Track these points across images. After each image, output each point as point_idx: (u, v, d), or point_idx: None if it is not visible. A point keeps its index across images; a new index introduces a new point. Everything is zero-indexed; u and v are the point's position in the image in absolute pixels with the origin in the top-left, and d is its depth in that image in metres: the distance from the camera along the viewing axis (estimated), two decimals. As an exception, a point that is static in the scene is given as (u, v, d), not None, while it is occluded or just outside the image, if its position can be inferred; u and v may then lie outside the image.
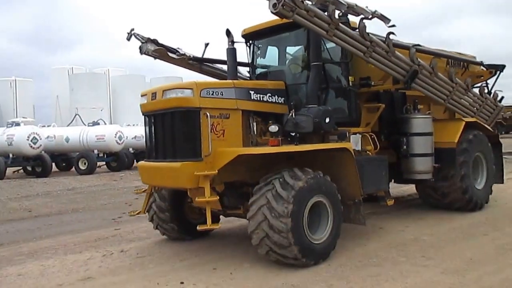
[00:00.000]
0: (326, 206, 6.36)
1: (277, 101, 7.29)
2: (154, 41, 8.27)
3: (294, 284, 5.43)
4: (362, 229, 7.66)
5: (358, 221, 7.03)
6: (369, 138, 8.02)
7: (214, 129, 6.38)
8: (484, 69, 10.53)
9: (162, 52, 8.33)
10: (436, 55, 8.69)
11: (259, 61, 8.30)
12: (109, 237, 8.45)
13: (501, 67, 10.54)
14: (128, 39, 8.08)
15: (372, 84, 8.38)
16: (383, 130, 8.67)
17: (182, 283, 5.62)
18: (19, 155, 22.96)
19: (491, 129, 10.04)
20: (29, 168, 24.28)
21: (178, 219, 7.74)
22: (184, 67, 8.82)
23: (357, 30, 7.09)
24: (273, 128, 6.19)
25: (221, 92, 6.50)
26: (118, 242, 7.97)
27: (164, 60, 8.51)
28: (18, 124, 24.00)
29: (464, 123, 9.07)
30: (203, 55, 8.96)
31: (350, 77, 7.98)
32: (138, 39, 8.20)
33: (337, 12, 6.68)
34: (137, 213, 7.23)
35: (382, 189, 7.59)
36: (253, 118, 6.97)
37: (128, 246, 7.61)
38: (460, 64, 9.99)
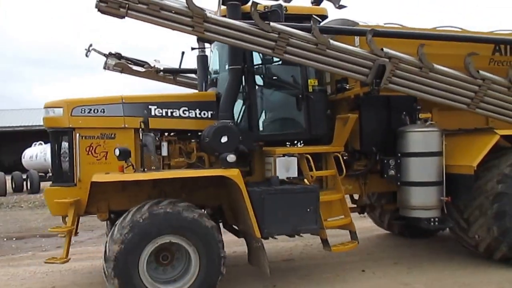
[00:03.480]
0: (187, 250, 5.03)
1: (199, 115, 6.12)
2: (116, 55, 7.91)
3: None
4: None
5: (263, 268, 5.35)
6: (331, 160, 6.14)
7: (93, 151, 5.69)
8: None
9: (124, 66, 7.91)
10: (432, 38, 5.99)
11: (212, 66, 7.12)
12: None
13: None
14: (87, 55, 7.91)
15: (347, 87, 6.41)
16: (365, 148, 6.49)
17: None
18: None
19: None
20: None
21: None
22: (156, 80, 8.21)
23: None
24: (116, 152, 5.15)
25: (103, 109, 5.75)
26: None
27: (130, 74, 8.07)
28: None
29: (497, 137, 6.11)
30: (180, 65, 8.21)
31: (310, 80, 6.22)
32: (100, 54, 7.96)
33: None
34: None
35: (304, 231, 5.59)
36: (162, 137, 5.97)
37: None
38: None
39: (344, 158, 6.37)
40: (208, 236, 5.05)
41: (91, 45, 7.91)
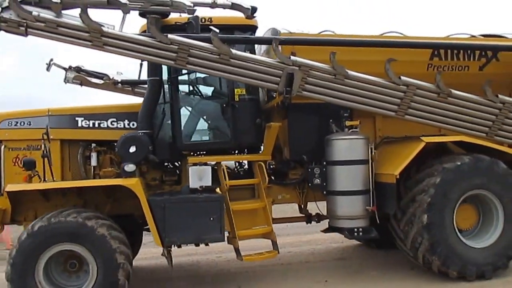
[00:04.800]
0: (82, 255, 5.13)
1: (128, 126, 6.31)
2: (76, 69, 8.22)
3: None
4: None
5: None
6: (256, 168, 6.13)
7: (19, 162, 5.97)
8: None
9: (82, 79, 8.20)
10: (347, 44, 5.84)
11: None
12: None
13: None
14: (48, 69, 8.25)
15: (274, 96, 6.38)
16: (294, 157, 6.40)
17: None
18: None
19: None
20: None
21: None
22: (115, 92, 8.45)
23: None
24: (22, 162, 5.39)
25: (29, 121, 6.07)
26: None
27: (90, 87, 8.35)
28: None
29: (422, 145, 5.83)
30: (139, 76, 8.39)
31: (237, 90, 6.24)
32: (60, 68, 8.28)
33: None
34: None
35: (209, 240, 5.58)
36: (91, 148, 6.19)
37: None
38: (466, 53, 6.42)
39: (271, 166, 6.33)
40: (99, 238, 5.08)
41: (51, 60, 8.26)
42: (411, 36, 6.40)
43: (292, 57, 5.50)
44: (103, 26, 5.15)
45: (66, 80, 8.25)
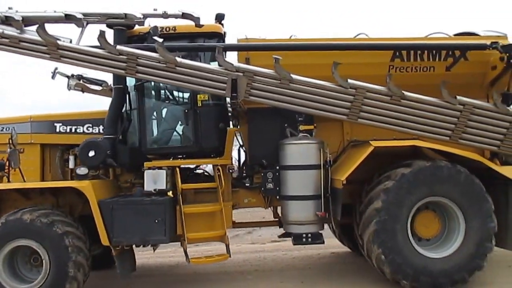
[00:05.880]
0: (39, 252, 5.55)
1: (102, 131, 6.76)
2: (78, 76, 8.84)
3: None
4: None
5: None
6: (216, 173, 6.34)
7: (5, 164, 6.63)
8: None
9: (82, 86, 8.80)
10: (291, 49, 5.89)
11: None
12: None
13: None
14: (53, 77, 8.93)
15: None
16: (253, 161, 6.53)
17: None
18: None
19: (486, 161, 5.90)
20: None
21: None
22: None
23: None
24: None
25: (13, 127, 6.66)
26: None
27: (90, 93, 8.95)
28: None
29: (370, 149, 5.73)
30: (133, 82, 8.90)
31: (199, 96, 6.49)
32: (63, 76, 8.93)
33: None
34: None
35: (153, 241, 5.84)
36: (69, 152, 6.74)
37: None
38: (431, 53, 6.21)
39: (231, 171, 6.51)
40: (56, 241, 5.46)
41: (56, 68, 8.97)
42: (368, 38, 6.32)
43: (236, 64, 5.66)
44: (59, 39, 5.63)
45: (68, 87, 8.91)
